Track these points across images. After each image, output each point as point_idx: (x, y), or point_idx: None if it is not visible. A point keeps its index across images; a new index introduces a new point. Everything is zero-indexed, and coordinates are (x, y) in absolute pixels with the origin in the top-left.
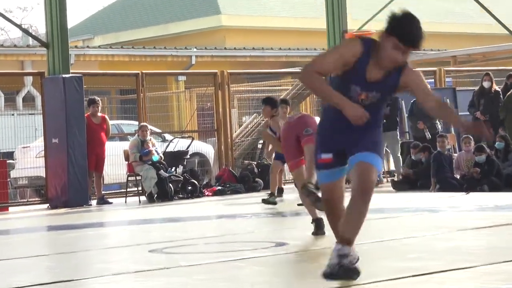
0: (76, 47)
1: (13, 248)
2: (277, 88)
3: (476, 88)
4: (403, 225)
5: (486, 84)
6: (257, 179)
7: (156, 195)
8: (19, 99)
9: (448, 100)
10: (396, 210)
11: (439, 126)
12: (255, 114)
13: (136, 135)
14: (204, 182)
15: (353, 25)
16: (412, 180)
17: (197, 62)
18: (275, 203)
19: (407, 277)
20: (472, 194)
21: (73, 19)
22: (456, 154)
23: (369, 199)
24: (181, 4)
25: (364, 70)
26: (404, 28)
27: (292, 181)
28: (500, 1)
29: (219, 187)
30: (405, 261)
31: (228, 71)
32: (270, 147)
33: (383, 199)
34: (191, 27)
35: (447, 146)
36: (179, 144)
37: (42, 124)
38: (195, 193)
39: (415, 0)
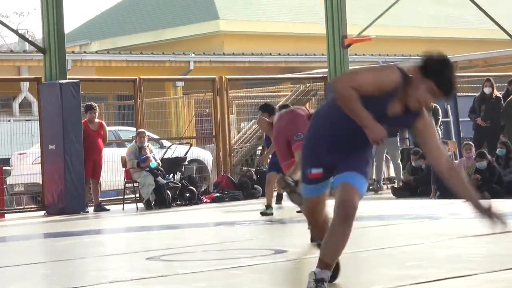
0: (73, 52)
1: (9, 256)
2: (276, 94)
3: (477, 94)
4: (403, 232)
5: (487, 90)
6: (256, 186)
7: (153, 202)
8: (16, 105)
9: (449, 107)
10: (396, 217)
11: (440, 133)
12: (253, 120)
13: (134, 141)
14: (202, 189)
15: (352, 30)
16: (412, 186)
17: (195, 67)
18: (272, 214)
19: (407, 285)
20: None
21: (70, 24)
22: (457, 161)
23: (350, 224)
24: (179, 9)
25: (389, 102)
26: (444, 75)
27: None
28: (501, 6)
29: (218, 194)
30: (405, 268)
31: (227, 76)
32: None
33: (383, 206)
34: (189, 32)
35: (448, 153)
36: (177, 151)
37: (38, 130)
38: (193, 200)
39: (415, 5)
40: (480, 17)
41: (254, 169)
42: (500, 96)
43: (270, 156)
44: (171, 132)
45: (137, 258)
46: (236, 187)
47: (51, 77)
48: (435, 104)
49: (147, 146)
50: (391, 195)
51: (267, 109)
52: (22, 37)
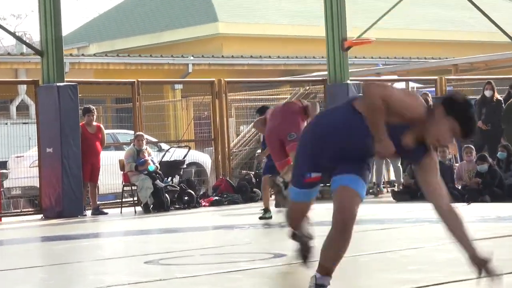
0: (71, 55)
1: (6, 260)
2: (275, 97)
3: (478, 97)
4: (403, 236)
5: (488, 93)
6: (255, 189)
7: (152, 206)
8: (13, 108)
9: None
10: (396, 221)
11: None
12: (252, 123)
13: (132, 144)
14: (201, 192)
15: (352, 33)
16: (412, 190)
17: (194, 70)
18: (270, 218)
19: None
20: (473, 204)
21: (68, 27)
22: (457, 164)
23: (350, 230)
24: (177, 11)
25: (404, 132)
26: (468, 118)
27: None
28: (502, 9)
29: (216, 198)
30: (405, 272)
31: (226, 79)
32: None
33: (383, 209)
34: (188, 34)
35: (448, 156)
36: (175, 154)
37: (36, 133)
38: (192, 204)
39: (416, 7)
40: (481, 20)
41: (253, 173)
42: (501, 99)
43: (266, 160)
44: (170, 135)
45: (135, 262)
46: (235, 190)
47: (49, 80)
48: None
49: (146, 149)
50: (391, 199)
51: (264, 112)
52: (19, 39)
